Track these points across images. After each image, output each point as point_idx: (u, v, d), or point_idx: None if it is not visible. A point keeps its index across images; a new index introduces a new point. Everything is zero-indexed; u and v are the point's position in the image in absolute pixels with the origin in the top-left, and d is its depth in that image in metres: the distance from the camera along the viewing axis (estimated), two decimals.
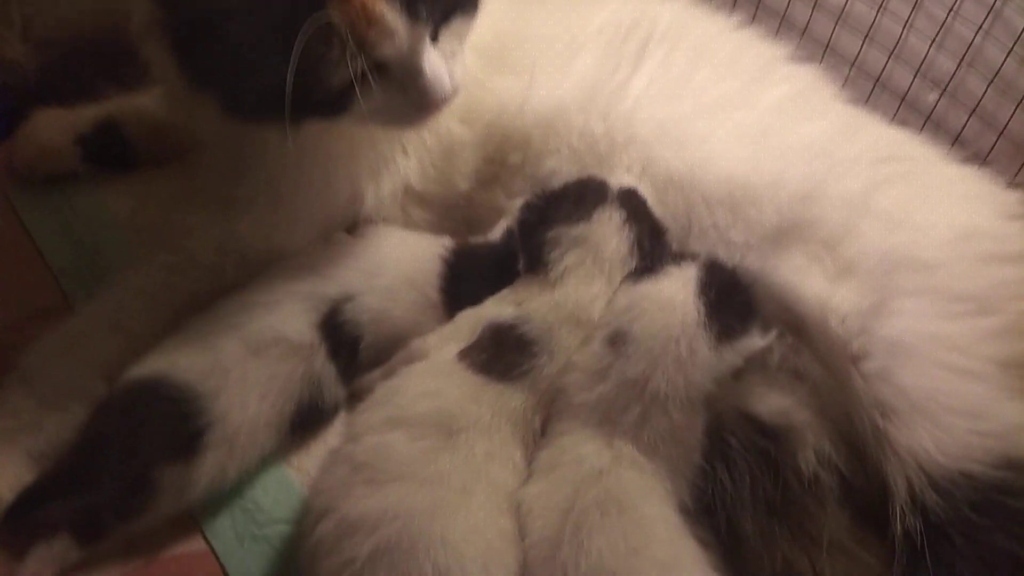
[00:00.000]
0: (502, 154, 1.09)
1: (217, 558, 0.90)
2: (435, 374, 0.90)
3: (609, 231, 0.95)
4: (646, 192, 1.01)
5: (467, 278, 1.00)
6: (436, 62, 0.87)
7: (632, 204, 0.98)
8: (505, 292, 0.97)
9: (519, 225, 0.99)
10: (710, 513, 0.87)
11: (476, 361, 0.90)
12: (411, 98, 0.87)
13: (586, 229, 0.95)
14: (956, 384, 0.86)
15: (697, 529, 0.84)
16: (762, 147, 1.00)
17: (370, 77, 0.82)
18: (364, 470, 0.82)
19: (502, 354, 0.90)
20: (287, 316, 0.94)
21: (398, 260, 1.01)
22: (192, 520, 0.92)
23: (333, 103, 0.85)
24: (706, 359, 0.86)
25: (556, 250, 0.95)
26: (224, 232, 1.01)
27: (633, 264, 0.95)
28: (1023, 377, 0.87)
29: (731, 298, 0.90)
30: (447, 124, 1.07)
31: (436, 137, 1.07)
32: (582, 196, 0.98)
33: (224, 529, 0.92)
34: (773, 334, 0.90)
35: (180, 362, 0.90)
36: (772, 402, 0.91)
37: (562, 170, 1.05)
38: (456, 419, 0.85)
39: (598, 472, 0.83)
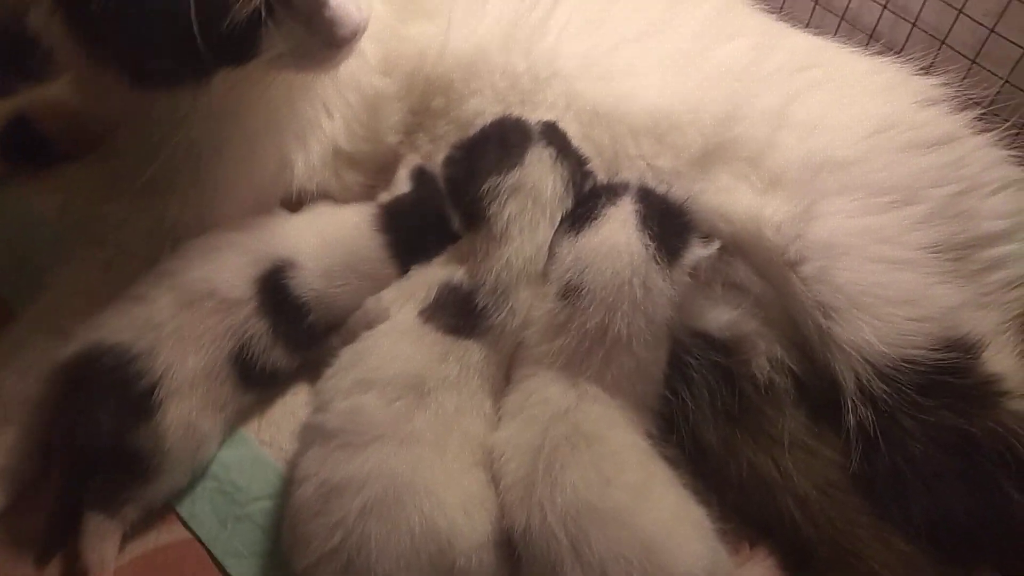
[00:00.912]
0: (426, 101, 1.08)
1: (203, 544, 0.91)
2: (401, 336, 0.91)
3: (544, 171, 0.93)
4: (571, 127, 1.01)
5: (409, 238, 0.98)
6: None
7: (558, 138, 0.97)
8: (452, 252, 0.95)
9: (445, 183, 0.96)
10: (675, 431, 0.91)
11: (441, 322, 0.91)
12: (319, 33, 0.84)
13: (521, 174, 0.93)
14: (889, 275, 0.89)
15: (664, 449, 0.88)
16: (683, 74, 1.01)
17: (276, 12, 0.80)
18: (339, 435, 0.83)
19: (464, 315, 0.91)
20: (223, 267, 0.94)
21: (336, 240, 0.99)
22: (173, 512, 0.93)
23: (239, 44, 0.82)
24: (662, 290, 0.87)
25: (495, 202, 0.92)
26: (153, 219, 0.99)
27: (569, 201, 0.94)
28: (951, 260, 0.91)
29: (670, 218, 0.91)
30: (368, 79, 1.05)
31: (358, 94, 1.06)
32: (505, 139, 0.95)
33: (205, 515, 0.93)
34: (716, 244, 0.92)
35: (111, 324, 0.90)
36: (719, 317, 0.94)
37: (486, 111, 1.04)
38: (427, 379, 0.86)
39: (565, 410, 0.85)
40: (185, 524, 0.92)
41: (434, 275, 0.94)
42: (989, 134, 1.00)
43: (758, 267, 0.96)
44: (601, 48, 1.03)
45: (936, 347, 0.87)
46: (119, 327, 0.90)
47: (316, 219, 1.02)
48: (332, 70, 0.94)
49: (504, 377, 0.92)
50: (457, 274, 0.93)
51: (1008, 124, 1.01)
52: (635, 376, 0.87)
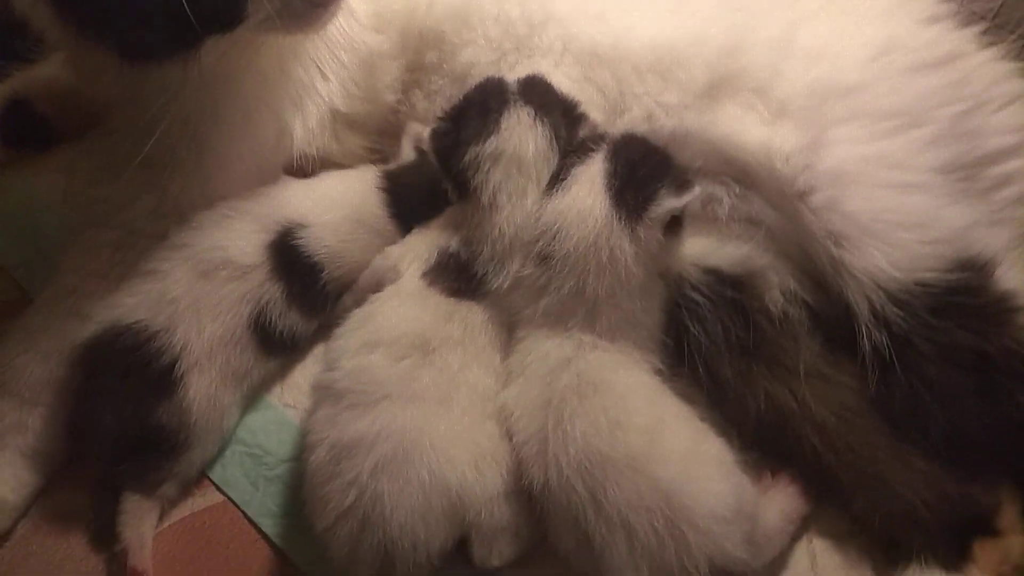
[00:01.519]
0: (420, 58, 1.08)
1: (237, 506, 0.93)
2: (406, 298, 0.91)
3: (523, 133, 0.92)
4: (572, 70, 0.99)
5: (408, 201, 1.00)
6: None
7: (536, 94, 0.95)
8: (447, 218, 0.96)
9: (436, 154, 0.96)
10: (690, 367, 0.91)
11: (444, 286, 0.92)
12: None
13: (499, 141, 0.92)
14: (899, 199, 0.89)
15: (679, 384, 0.88)
16: (681, 9, 0.99)
17: None
18: (348, 396, 0.85)
19: (464, 279, 0.92)
20: (235, 235, 0.95)
21: (340, 197, 1.01)
22: (207, 477, 0.95)
23: (225, 9, 0.81)
24: (628, 249, 0.86)
25: (479, 172, 0.92)
26: (157, 196, 0.99)
27: (555, 158, 0.92)
28: (961, 179, 0.91)
29: (636, 173, 0.88)
30: (360, 37, 1.05)
31: (352, 53, 1.05)
32: (485, 104, 0.94)
33: (236, 479, 0.95)
34: (696, 190, 0.89)
35: (126, 303, 0.91)
36: (730, 252, 0.94)
37: (480, 61, 1.04)
38: (431, 338, 0.87)
39: (566, 361, 0.85)
40: (219, 488, 0.95)
41: (435, 239, 0.95)
42: (994, 48, 0.98)
43: (769, 199, 0.95)
44: None
45: (949, 268, 0.87)
46: (135, 305, 0.90)
47: (321, 181, 1.03)
48: (320, 30, 0.93)
49: (509, 335, 0.92)
50: (454, 241, 0.94)
51: (1014, 36, 0.99)
52: (625, 325, 0.87)
